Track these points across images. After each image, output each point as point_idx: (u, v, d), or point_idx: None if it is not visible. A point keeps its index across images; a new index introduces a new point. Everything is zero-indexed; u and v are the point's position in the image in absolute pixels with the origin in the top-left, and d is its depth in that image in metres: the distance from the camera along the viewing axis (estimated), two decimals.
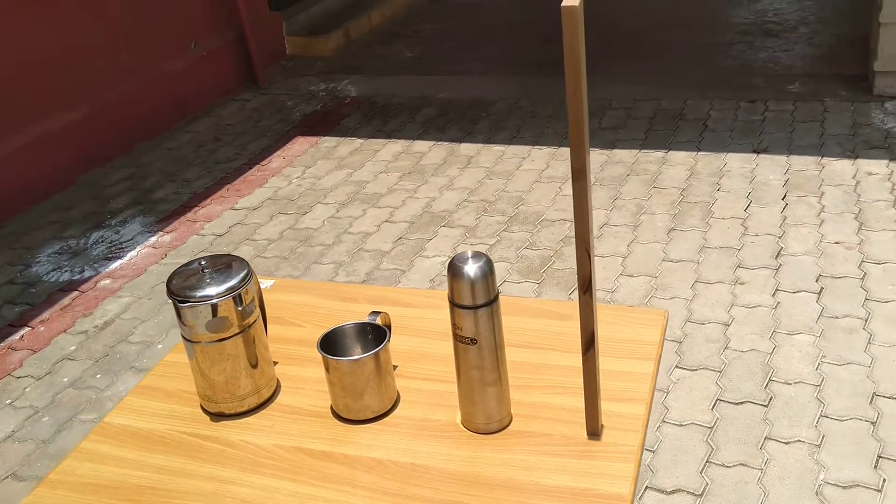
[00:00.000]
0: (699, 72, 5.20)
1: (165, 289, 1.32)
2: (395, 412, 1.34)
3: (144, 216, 4.25)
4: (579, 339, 1.45)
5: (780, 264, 3.23)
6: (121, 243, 4.01)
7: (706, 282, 3.18)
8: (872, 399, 2.54)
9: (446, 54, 6.23)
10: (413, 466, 1.23)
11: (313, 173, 4.54)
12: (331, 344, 1.33)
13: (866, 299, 2.98)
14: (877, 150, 4.01)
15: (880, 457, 2.34)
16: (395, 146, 4.73)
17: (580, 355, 1.41)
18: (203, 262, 1.33)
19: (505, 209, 3.88)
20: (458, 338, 1.23)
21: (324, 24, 6.95)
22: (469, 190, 4.11)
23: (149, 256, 3.87)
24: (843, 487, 2.26)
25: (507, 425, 1.29)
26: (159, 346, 3.20)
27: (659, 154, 4.24)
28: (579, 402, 1.29)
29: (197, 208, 4.30)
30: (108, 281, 3.69)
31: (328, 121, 5.23)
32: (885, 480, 2.26)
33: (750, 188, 3.80)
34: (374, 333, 1.35)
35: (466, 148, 4.57)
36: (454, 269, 1.19)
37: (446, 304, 1.63)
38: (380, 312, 1.38)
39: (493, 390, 1.26)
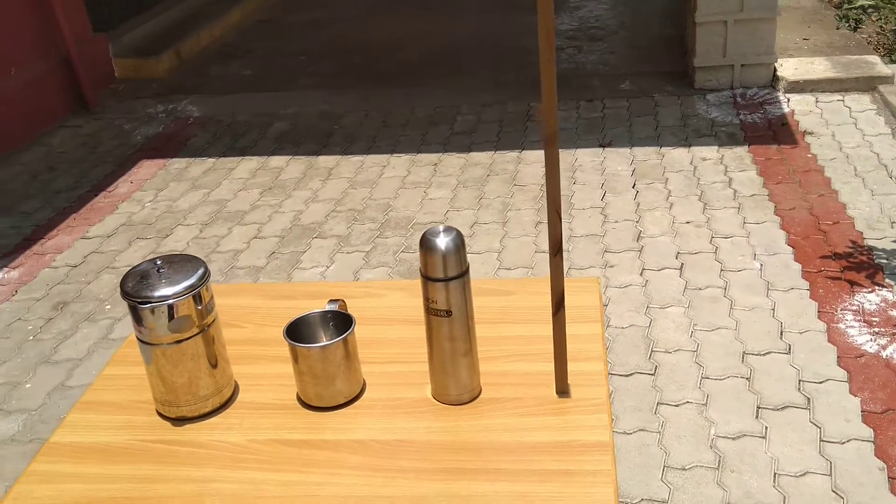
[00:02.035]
0: (538, 76, 5.45)
1: (119, 291, 1.26)
2: (365, 396, 1.35)
3: None
4: (525, 312, 1.53)
5: (642, 246, 3.47)
6: None
7: (579, 268, 3.36)
8: (743, 358, 2.78)
9: (284, 71, 6.18)
10: (397, 443, 1.25)
11: (167, 196, 4.37)
12: (293, 334, 1.32)
13: (722, 270, 3.26)
14: (706, 137, 4.39)
15: (759, 407, 2.57)
16: (251, 163, 4.64)
17: (530, 325, 1.49)
18: (158, 262, 1.28)
19: (375, 216, 3.91)
20: (431, 311, 1.26)
21: (151, 46, 6.69)
22: (335, 201, 4.10)
23: None
24: (733, 439, 2.46)
25: (478, 395, 1.33)
26: (28, 386, 2.97)
27: (514, 154, 4.42)
28: (540, 367, 1.36)
29: (43, 240, 4.02)
30: None
31: (174, 142, 5.04)
32: (767, 428, 2.49)
33: (602, 179, 4.05)
34: (335, 321, 1.36)
35: (325, 160, 4.56)
36: (427, 244, 1.22)
37: (382, 293, 1.66)
38: (338, 300, 1.39)
39: (466, 360, 1.29)
